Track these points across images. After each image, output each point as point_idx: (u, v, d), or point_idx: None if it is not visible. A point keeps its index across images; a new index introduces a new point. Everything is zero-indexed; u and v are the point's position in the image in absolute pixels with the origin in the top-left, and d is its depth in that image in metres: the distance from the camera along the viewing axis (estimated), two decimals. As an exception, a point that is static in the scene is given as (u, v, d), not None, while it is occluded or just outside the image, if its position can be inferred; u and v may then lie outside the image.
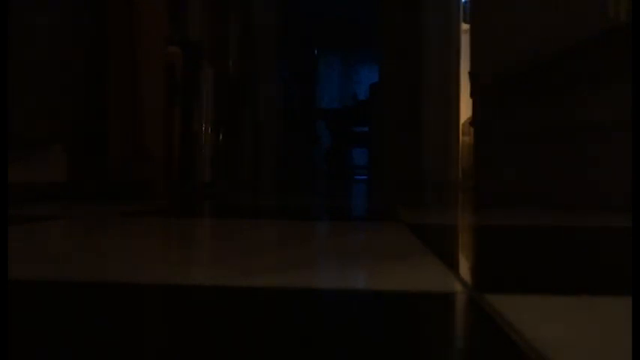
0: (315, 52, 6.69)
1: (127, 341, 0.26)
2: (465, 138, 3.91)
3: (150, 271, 0.43)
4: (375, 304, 0.34)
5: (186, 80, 1.46)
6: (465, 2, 3.67)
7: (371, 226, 0.83)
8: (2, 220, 0.64)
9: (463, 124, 3.78)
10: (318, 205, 1.30)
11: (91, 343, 0.25)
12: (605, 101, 1.25)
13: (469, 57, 2.43)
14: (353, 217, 1.01)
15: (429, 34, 3.65)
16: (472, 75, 2.35)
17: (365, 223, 0.90)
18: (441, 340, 0.27)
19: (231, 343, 0.26)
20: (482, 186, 2.22)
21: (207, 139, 1.64)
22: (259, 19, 3.06)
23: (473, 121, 2.48)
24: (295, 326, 0.29)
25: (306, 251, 0.54)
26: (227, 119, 1.98)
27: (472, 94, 2.37)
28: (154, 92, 1.30)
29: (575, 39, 1.35)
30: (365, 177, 5.62)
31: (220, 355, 0.24)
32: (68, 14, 1.23)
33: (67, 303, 0.33)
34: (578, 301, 0.34)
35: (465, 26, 3.48)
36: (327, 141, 6.59)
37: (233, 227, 0.78)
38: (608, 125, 1.25)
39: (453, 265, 0.47)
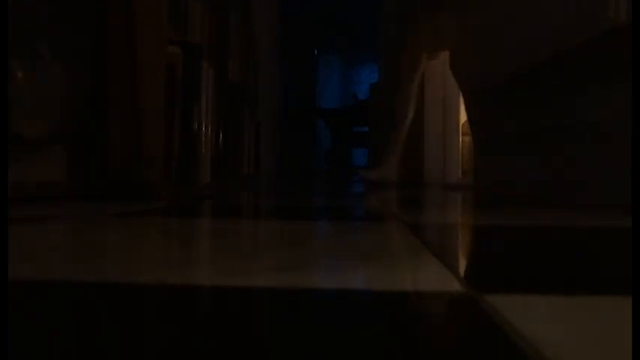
0: (315, 52, 6.69)
1: (126, 342, 0.26)
2: (464, 138, 3.91)
3: (150, 271, 0.43)
4: (374, 304, 0.34)
5: (186, 80, 1.46)
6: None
7: (370, 226, 0.83)
8: (2, 220, 0.64)
9: (463, 124, 3.78)
10: (318, 205, 1.30)
11: (91, 343, 0.25)
12: (604, 101, 1.26)
13: (469, 57, 2.43)
14: (352, 217, 1.01)
15: (429, 34, 3.64)
16: (472, 75, 2.35)
17: (364, 222, 0.90)
18: (440, 340, 0.27)
19: (230, 343, 0.26)
20: (482, 186, 2.22)
21: (207, 139, 1.64)
22: (260, 19, 3.06)
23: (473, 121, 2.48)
24: (294, 326, 0.29)
25: (305, 251, 0.54)
26: (227, 119, 1.98)
27: (472, 94, 2.37)
28: (154, 92, 1.30)
29: (575, 39, 1.35)
30: (365, 177, 5.61)
31: (220, 356, 0.24)
32: (67, 14, 1.23)
33: (67, 303, 0.33)
34: (578, 301, 0.34)
35: (464, 26, 3.48)
36: (327, 141, 6.58)
37: (233, 227, 0.78)
38: (608, 125, 1.25)
39: (452, 265, 0.47)
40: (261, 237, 0.68)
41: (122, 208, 1.03)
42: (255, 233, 0.72)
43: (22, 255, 0.49)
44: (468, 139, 3.85)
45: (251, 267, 0.45)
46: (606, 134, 1.26)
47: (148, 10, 1.30)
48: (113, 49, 1.32)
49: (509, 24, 1.83)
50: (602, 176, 1.28)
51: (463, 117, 3.73)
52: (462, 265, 0.49)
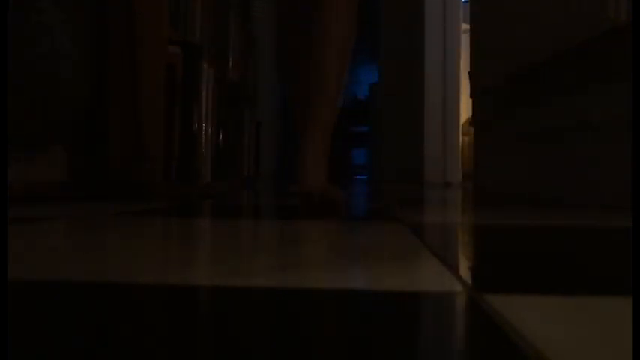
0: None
1: (126, 342, 0.26)
2: (464, 138, 3.91)
3: (150, 271, 0.43)
4: (374, 304, 0.34)
5: (186, 80, 1.46)
6: (465, 2, 3.68)
7: (370, 226, 0.83)
8: (2, 220, 0.64)
9: (463, 124, 3.79)
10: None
11: (91, 343, 0.25)
12: (604, 101, 1.26)
13: (469, 57, 2.44)
14: (352, 217, 1.01)
15: (429, 34, 3.65)
16: (472, 75, 2.36)
17: (364, 222, 0.90)
18: (440, 340, 0.27)
19: (230, 344, 0.26)
20: (482, 186, 2.22)
21: (207, 139, 1.64)
22: (259, 19, 3.06)
23: (473, 121, 2.48)
24: (293, 326, 0.29)
25: (305, 251, 0.54)
26: (227, 119, 1.98)
27: (472, 94, 2.38)
28: (154, 92, 1.30)
29: (575, 39, 1.35)
30: (365, 177, 5.62)
31: (220, 356, 0.24)
32: (67, 14, 1.23)
33: (67, 303, 0.33)
34: (578, 301, 0.34)
35: (464, 26, 3.49)
36: (327, 141, 6.56)
37: (233, 227, 0.78)
38: (608, 125, 1.25)
39: (452, 265, 0.47)
40: (261, 236, 0.68)
41: (122, 208, 1.03)
42: (256, 233, 0.72)
43: (22, 255, 0.49)
44: (467, 139, 3.85)
45: (251, 266, 0.45)
46: (606, 134, 1.26)
47: (148, 10, 1.30)
48: (113, 49, 1.32)
49: (510, 24, 1.83)
50: (602, 176, 1.28)
51: (463, 117, 3.74)
52: (462, 265, 0.49)
